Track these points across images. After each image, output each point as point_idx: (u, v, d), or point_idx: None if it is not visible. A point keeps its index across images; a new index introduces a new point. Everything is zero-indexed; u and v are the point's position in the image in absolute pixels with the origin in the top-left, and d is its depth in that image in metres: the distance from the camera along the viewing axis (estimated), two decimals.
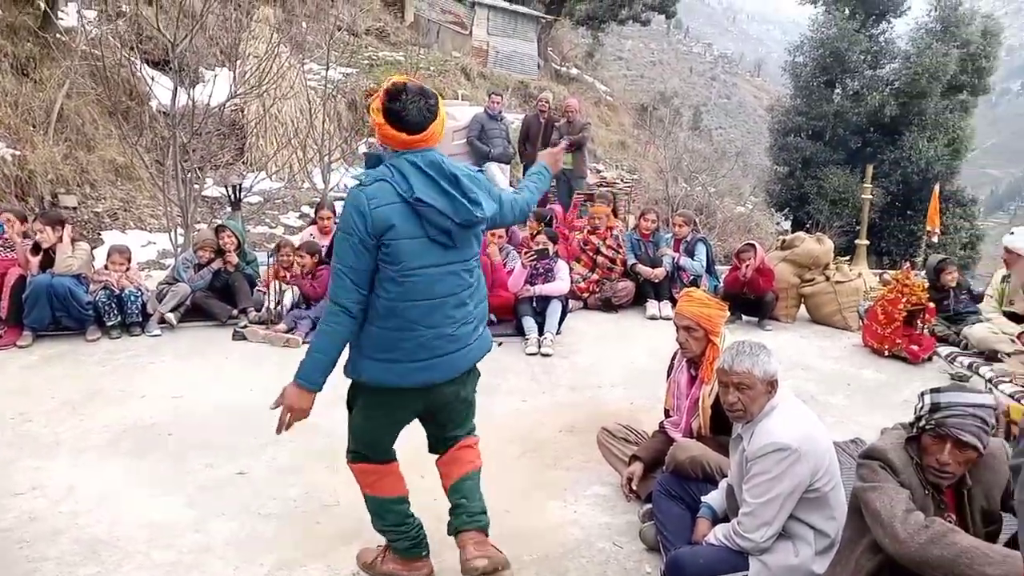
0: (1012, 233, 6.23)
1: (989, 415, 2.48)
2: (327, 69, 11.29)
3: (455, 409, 2.96)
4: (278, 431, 2.66)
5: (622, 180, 15.33)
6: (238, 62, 10.23)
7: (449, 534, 2.93)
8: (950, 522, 2.48)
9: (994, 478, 2.61)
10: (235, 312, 6.55)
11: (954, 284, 6.91)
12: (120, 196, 10.01)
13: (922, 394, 2.57)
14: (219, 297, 6.63)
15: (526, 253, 6.60)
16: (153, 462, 3.98)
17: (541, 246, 6.59)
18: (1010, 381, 5.61)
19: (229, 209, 8.96)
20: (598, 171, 15.37)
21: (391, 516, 2.94)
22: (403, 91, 2.61)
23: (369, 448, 2.89)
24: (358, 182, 2.63)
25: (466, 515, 2.93)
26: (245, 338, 6.15)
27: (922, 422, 2.52)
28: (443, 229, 2.62)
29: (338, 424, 3.06)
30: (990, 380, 5.71)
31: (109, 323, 6.10)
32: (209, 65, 12.07)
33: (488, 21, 19.71)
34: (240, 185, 8.80)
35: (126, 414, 4.59)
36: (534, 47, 21.23)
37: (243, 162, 11.75)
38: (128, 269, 6.43)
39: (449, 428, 3.00)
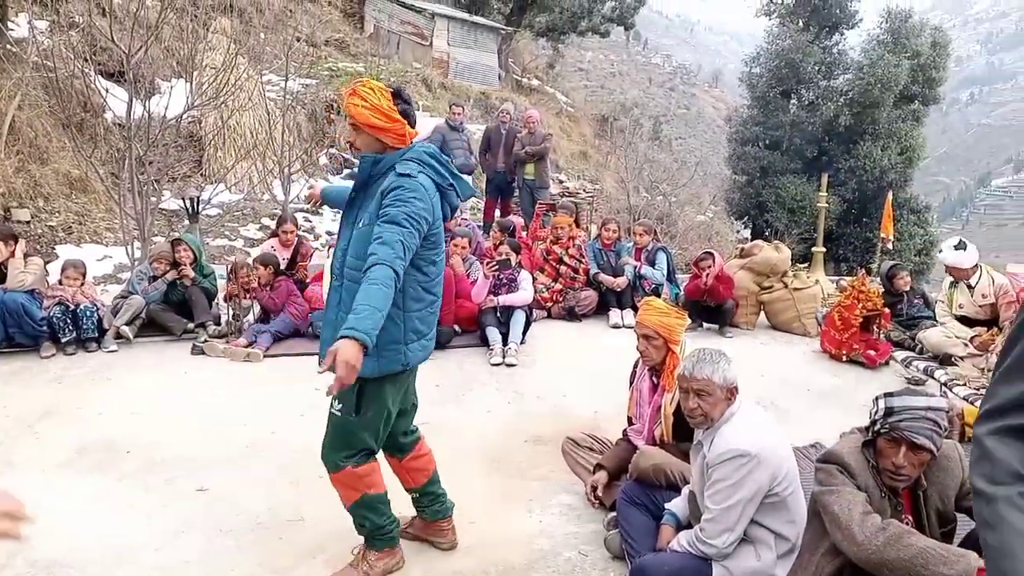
0: (940, 251, 6.47)
1: (941, 417, 2.54)
2: (286, 80, 11.21)
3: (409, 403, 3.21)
4: (330, 394, 2.48)
5: (584, 190, 15.44)
6: (195, 73, 10.09)
7: (429, 519, 3.29)
8: (907, 524, 2.53)
9: (948, 479, 2.67)
10: (192, 326, 6.45)
11: (907, 288, 7.08)
12: (75, 210, 9.82)
13: (876, 398, 2.63)
14: (176, 311, 6.52)
15: (488, 263, 6.61)
16: (112, 480, 3.89)
17: (504, 256, 6.61)
18: (964, 384, 5.75)
19: (187, 222, 8.83)
20: (560, 181, 15.46)
21: (386, 508, 3.05)
22: (402, 91, 2.86)
23: (377, 441, 2.97)
24: (408, 173, 2.75)
25: (447, 501, 3.34)
26: (204, 352, 6.06)
27: (877, 426, 2.58)
28: (454, 208, 2.98)
29: (301, 439, 3.03)
30: (945, 383, 5.84)
31: (64, 339, 5.97)
32: (165, 76, 11.91)
33: (448, 32, 19.74)
34: (198, 197, 8.68)
35: (83, 431, 4.49)
36: (495, 58, 21.31)
37: (201, 174, 11.60)
38: (83, 284, 6.30)
39: (411, 416, 3.24)
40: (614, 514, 3.38)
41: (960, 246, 6.36)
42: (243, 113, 11.44)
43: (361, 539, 3.08)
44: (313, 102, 13.93)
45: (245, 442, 4.36)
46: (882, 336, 6.57)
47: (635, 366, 3.82)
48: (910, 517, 2.61)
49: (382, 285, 2.48)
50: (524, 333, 6.48)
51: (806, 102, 21.30)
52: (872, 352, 6.32)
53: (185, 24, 10.60)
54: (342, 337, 2.35)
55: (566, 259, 7.66)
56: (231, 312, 6.42)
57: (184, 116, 9.04)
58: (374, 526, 3.01)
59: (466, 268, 7.01)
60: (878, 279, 7.45)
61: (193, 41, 10.28)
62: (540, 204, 9.56)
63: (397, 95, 2.82)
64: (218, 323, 6.52)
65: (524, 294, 6.62)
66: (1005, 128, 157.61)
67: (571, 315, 7.57)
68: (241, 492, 3.77)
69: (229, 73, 9.01)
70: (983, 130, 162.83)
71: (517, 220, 8.95)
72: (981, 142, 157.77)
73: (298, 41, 14.64)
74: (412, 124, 2.89)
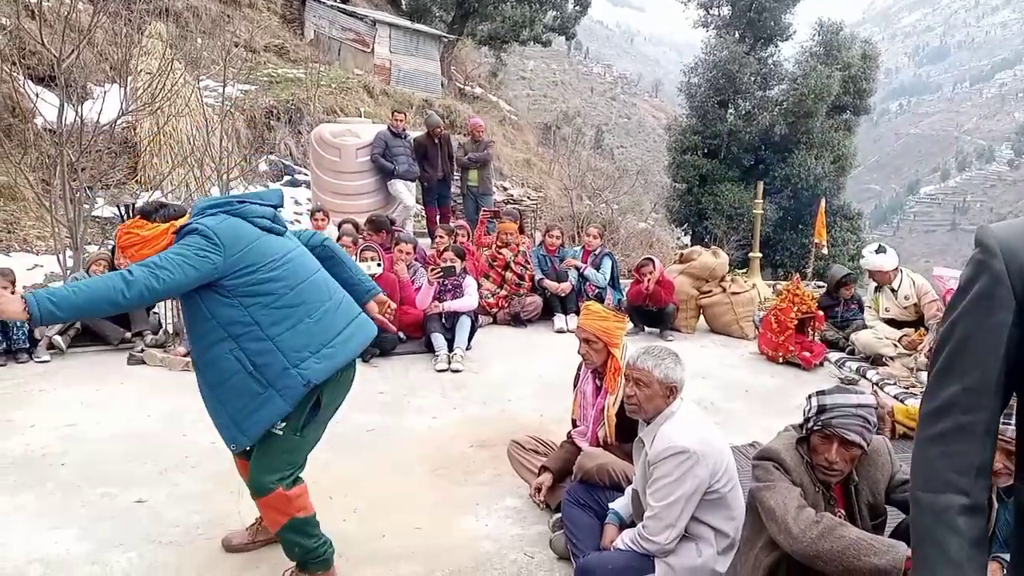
0: (864, 257, 6.71)
1: (871, 414, 2.64)
2: (224, 86, 11.03)
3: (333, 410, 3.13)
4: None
5: (528, 197, 15.53)
6: (129, 78, 9.86)
7: None
8: (840, 517, 2.62)
9: (878, 473, 2.78)
10: (129, 335, 6.29)
11: (849, 296, 7.30)
12: (3, 218, 9.48)
13: (809, 397, 2.72)
14: (112, 319, 6.35)
15: (432, 270, 6.61)
16: (44, 494, 3.77)
17: (448, 263, 6.61)
18: (894, 383, 5.96)
19: None
20: (504, 188, 15.51)
21: (316, 531, 2.97)
22: (146, 208, 2.89)
23: (303, 464, 2.94)
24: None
25: None
26: (143, 362, 5.92)
27: (810, 423, 2.66)
28: (277, 220, 2.98)
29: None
30: (876, 383, 6.04)
31: None
32: (98, 81, 11.60)
33: (390, 39, 19.65)
34: (133, 204, 8.47)
35: (13, 445, 4.34)
36: (437, 66, 21.29)
37: (136, 181, 11.31)
38: (12, 292, 6.06)
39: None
40: (559, 515, 3.41)
41: (880, 250, 6.61)
42: (180, 119, 11.18)
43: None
44: (252, 108, 13.72)
45: (184, 453, 4.27)
46: (816, 338, 6.78)
47: (579, 369, 3.87)
48: (842, 510, 2.70)
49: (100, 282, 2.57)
50: (469, 339, 6.50)
51: (743, 112, 21.82)
52: (807, 353, 6.51)
53: (119, 28, 10.35)
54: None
55: (512, 265, 7.70)
56: (168, 318, 6.28)
57: (118, 122, 8.80)
58: (304, 550, 2.94)
59: (411, 275, 6.99)
60: (814, 283, 7.67)
61: (127, 45, 10.03)
62: (484, 211, 9.60)
63: (145, 215, 2.83)
64: (156, 332, 6.37)
65: (469, 300, 6.63)
66: (932, 138, 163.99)
67: (516, 321, 7.62)
68: (180, 503, 3.69)
69: (165, 78, 8.83)
70: (911, 139, 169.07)
71: (465, 225, 8.97)
72: (910, 151, 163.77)
73: (236, 46, 14.40)
74: (177, 215, 2.86)
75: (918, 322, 6.51)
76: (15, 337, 5.85)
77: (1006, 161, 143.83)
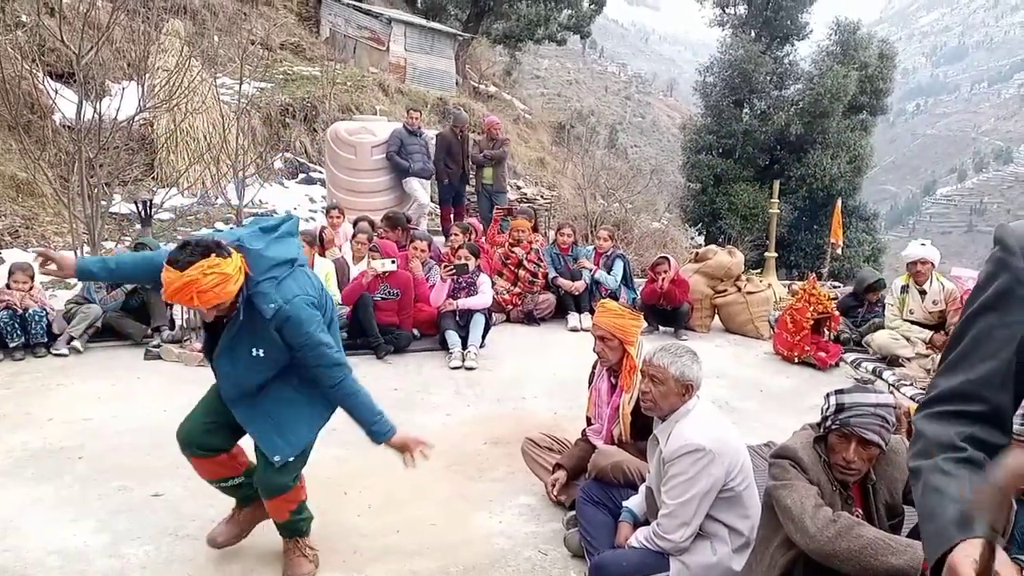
0: (924, 245, 6.60)
1: (890, 413, 2.63)
2: (240, 83, 11.08)
3: None
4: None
5: (542, 196, 15.53)
6: (147, 75, 9.93)
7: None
8: (857, 516, 2.61)
9: (896, 473, 2.76)
10: (149, 331, 6.33)
11: (875, 300, 7.21)
12: (21, 213, 9.57)
13: (828, 395, 2.71)
14: (133, 316, 6.40)
15: (445, 267, 6.62)
16: (62, 487, 3.81)
17: (462, 260, 6.62)
18: (911, 384, 5.93)
19: (139, 226, 8.67)
20: (518, 187, 15.51)
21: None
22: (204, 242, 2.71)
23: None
24: (279, 301, 2.77)
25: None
26: (159, 357, 5.96)
27: (828, 422, 2.65)
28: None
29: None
30: (892, 383, 6.01)
31: (12, 344, 5.81)
32: (116, 78, 11.68)
33: (405, 38, 19.68)
34: (150, 201, 8.53)
35: (31, 438, 4.38)
36: (452, 64, 21.31)
37: (153, 177, 11.40)
38: (31, 288, 6.13)
39: None
40: (573, 513, 3.41)
41: (925, 244, 6.58)
42: (196, 116, 11.25)
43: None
44: (268, 105, 13.78)
45: None
46: (832, 338, 6.74)
47: (593, 367, 3.87)
48: (860, 510, 2.69)
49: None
50: (483, 336, 6.50)
51: (758, 111, 21.71)
52: (823, 354, 6.48)
53: (137, 26, 10.40)
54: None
55: (526, 263, 7.69)
56: (183, 315, 6.31)
57: (136, 119, 8.86)
58: (306, 521, 3.13)
59: (425, 272, 7.01)
60: (829, 283, 7.63)
61: (145, 43, 10.12)
62: (498, 209, 9.60)
63: (211, 252, 2.59)
64: (172, 327, 6.41)
65: (483, 297, 6.63)
66: (949, 138, 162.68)
67: (530, 319, 7.62)
68: (195, 497, 3.71)
69: (182, 76, 8.88)
70: (928, 140, 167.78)
71: (476, 223, 8.98)
72: (926, 152, 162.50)
73: (252, 44, 14.46)
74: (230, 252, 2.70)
75: (939, 326, 6.44)
76: (34, 331, 5.90)
77: None
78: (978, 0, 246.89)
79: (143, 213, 8.28)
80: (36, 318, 5.92)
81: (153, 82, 9.92)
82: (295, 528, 3.10)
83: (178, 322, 6.42)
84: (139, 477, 3.91)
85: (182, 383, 5.38)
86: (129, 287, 6.42)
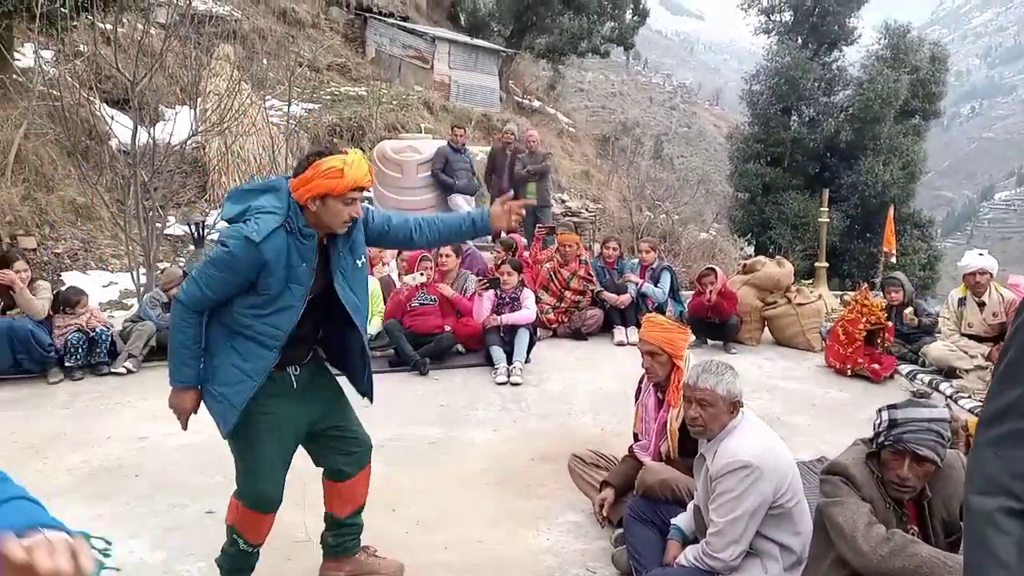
0: (981, 255, 6.41)
1: (945, 428, 2.55)
2: (288, 105, 11.32)
3: None
4: None
5: (587, 209, 15.52)
6: (199, 100, 10.20)
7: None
8: (912, 534, 2.54)
9: (953, 489, 2.68)
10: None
11: (901, 303, 7.01)
12: (80, 236, 9.89)
13: (880, 410, 2.64)
14: None
15: (479, 281, 6.67)
16: (119, 504, 3.91)
17: (501, 275, 6.68)
18: (969, 397, 5.75)
19: (192, 247, 8.89)
20: (563, 201, 15.52)
21: None
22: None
23: None
24: None
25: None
26: None
27: (881, 438, 2.59)
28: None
29: (305, 459, 3.04)
30: (950, 396, 5.84)
31: (70, 364, 6.00)
32: (169, 103, 12.02)
33: (449, 56, 19.88)
34: (203, 222, 8.75)
35: (90, 456, 4.51)
36: (496, 80, 21.45)
37: (206, 199, 11.68)
38: (87, 308, 6.33)
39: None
40: (621, 530, 3.38)
41: (982, 254, 6.40)
42: (247, 138, 11.53)
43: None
44: (316, 126, 14.04)
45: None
46: (886, 349, 6.57)
47: (640, 382, 3.83)
48: (915, 527, 2.61)
49: None
50: (528, 352, 6.50)
51: (807, 118, 21.40)
52: (876, 366, 6.32)
53: (189, 51, 10.71)
54: None
55: (573, 283, 7.65)
56: None
57: (188, 142, 9.12)
58: (360, 525, 3.17)
59: (462, 284, 7.03)
60: (880, 293, 7.44)
61: (197, 68, 10.39)
62: (540, 227, 9.60)
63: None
64: None
65: (527, 312, 6.63)
66: (1007, 141, 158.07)
67: (577, 334, 7.59)
68: None
69: (232, 99, 9.11)
70: (985, 143, 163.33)
71: (519, 239, 9.00)
72: (983, 155, 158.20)
73: (300, 66, 14.78)
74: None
75: (998, 338, 6.23)
76: (99, 351, 6.09)
77: None
78: None
79: (196, 234, 8.49)
80: (103, 338, 6.11)
81: (205, 106, 10.19)
82: (356, 533, 3.14)
83: None
84: (192, 494, 3.99)
85: None
86: None
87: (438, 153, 10.00)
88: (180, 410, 2.85)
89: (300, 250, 2.65)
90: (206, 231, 8.77)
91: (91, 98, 9.23)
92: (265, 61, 14.80)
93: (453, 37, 20.89)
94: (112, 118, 8.93)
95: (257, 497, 2.89)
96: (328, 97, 16.07)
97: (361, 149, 14.17)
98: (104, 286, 9.06)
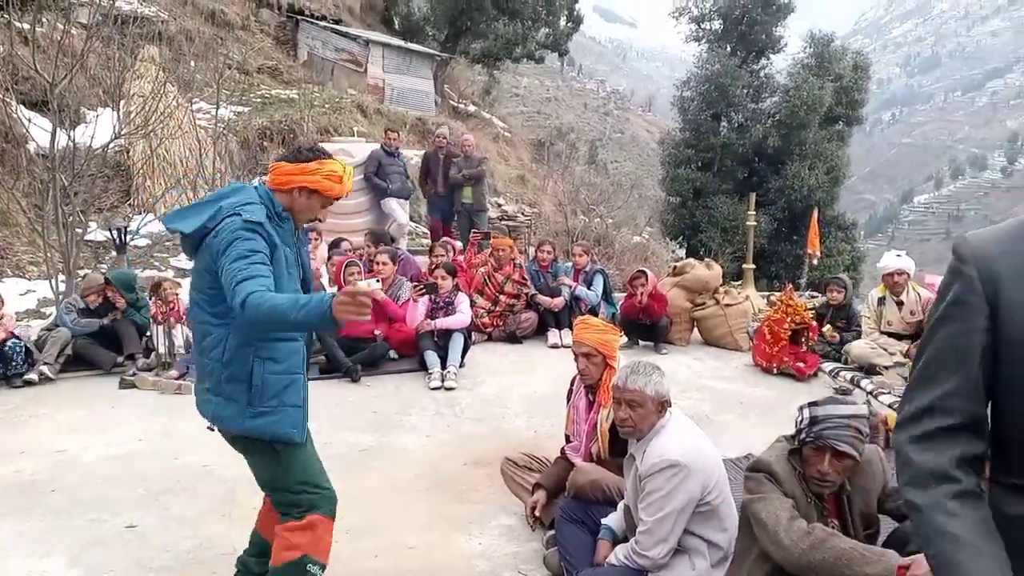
0: (899, 256, 6.65)
1: (863, 424, 2.63)
2: (217, 108, 11.06)
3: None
4: None
5: (523, 213, 15.58)
6: (122, 102, 9.89)
7: None
8: (833, 527, 2.61)
9: (871, 483, 2.77)
10: (121, 359, 6.26)
11: (840, 304, 7.23)
12: None
13: (801, 408, 2.71)
14: (104, 344, 6.32)
15: (414, 287, 6.62)
16: (34, 521, 3.74)
17: (432, 281, 6.64)
18: (888, 392, 5.95)
19: (114, 253, 8.61)
20: (499, 205, 15.54)
21: None
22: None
23: None
24: None
25: None
26: (134, 386, 5.89)
27: (802, 435, 2.66)
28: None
29: (232, 471, 2.96)
30: (871, 392, 6.03)
31: None
32: (91, 105, 11.62)
33: (383, 59, 19.71)
34: (126, 228, 8.47)
35: (3, 472, 4.31)
36: (431, 84, 21.35)
37: (129, 204, 11.32)
38: (2, 318, 6.06)
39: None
40: (553, 532, 3.39)
41: (900, 255, 6.63)
42: (173, 141, 11.21)
43: None
44: (246, 129, 13.75)
45: (176, 476, 4.24)
46: (810, 348, 6.77)
47: (572, 384, 3.86)
48: (836, 521, 2.69)
49: None
50: (463, 356, 6.47)
51: (736, 124, 21.93)
52: (801, 364, 6.50)
53: (112, 52, 10.37)
54: None
55: (508, 287, 7.65)
56: (163, 342, 6.25)
57: (111, 145, 8.82)
58: None
59: (395, 291, 6.96)
60: (807, 293, 7.67)
61: (120, 69, 10.08)
62: (475, 232, 9.59)
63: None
64: (148, 355, 6.35)
65: (462, 317, 6.61)
66: (925, 147, 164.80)
67: (512, 338, 7.59)
68: (170, 528, 3.66)
69: (158, 101, 8.86)
70: (904, 149, 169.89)
71: (453, 243, 8.98)
72: (903, 160, 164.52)
73: (229, 69, 14.45)
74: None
75: (917, 335, 6.47)
76: (14, 362, 5.83)
77: (999, 169, 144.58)
78: (950, 10, 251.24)
79: (118, 240, 8.22)
80: (16, 349, 5.85)
81: (129, 108, 9.88)
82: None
83: (155, 350, 6.35)
84: (113, 508, 3.85)
85: (158, 412, 5.33)
86: (107, 320, 6.37)
87: (371, 156, 9.88)
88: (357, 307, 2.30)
89: (281, 235, 2.64)
90: (128, 236, 8.50)
91: (7, 100, 8.88)
92: (192, 63, 14.44)
93: (387, 41, 20.73)
94: (30, 120, 8.60)
95: (332, 501, 2.75)
96: (258, 100, 15.76)
97: None
98: (21, 294, 8.68)
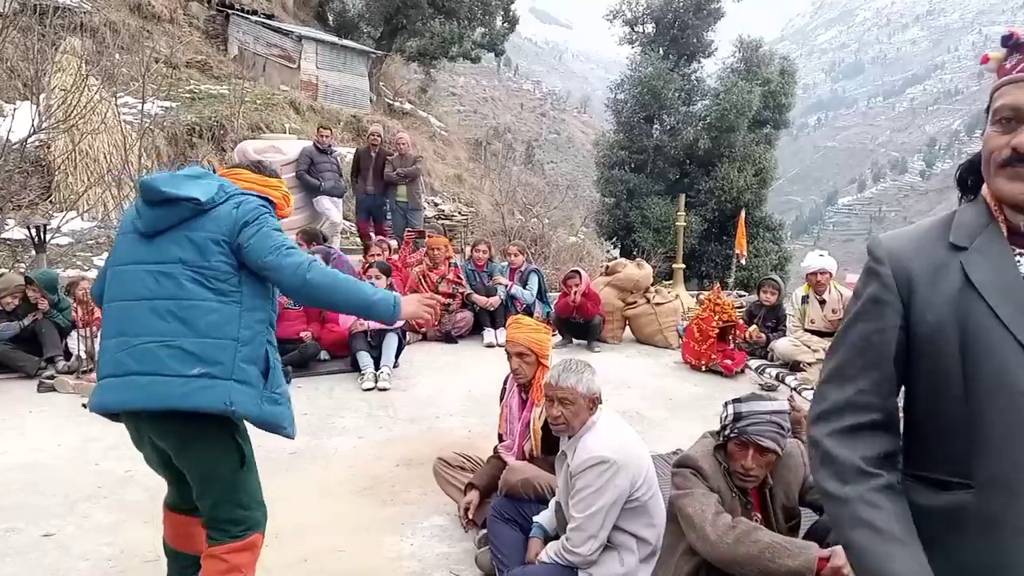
0: (822, 255, 6.86)
1: (784, 420, 2.71)
2: (143, 102, 10.74)
3: (188, 472, 2.52)
4: None
5: (459, 212, 15.56)
6: (42, 95, 9.53)
7: None
8: (757, 521, 2.68)
9: (792, 476, 2.85)
10: (43, 362, 6.03)
11: (772, 305, 7.42)
12: None
13: (726, 404, 2.78)
14: (24, 347, 6.07)
15: None
16: None
17: (369, 279, 6.54)
18: (811, 388, 6.14)
19: (34, 252, 8.29)
20: (436, 204, 15.50)
21: None
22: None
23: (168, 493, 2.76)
24: None
25: None
26: (53, 389, 5.68)
27: (727, 430, 2.72)
28: (138, 210, 2.49)
29: (155, 476, 2.86)
30: (795, 388, 6.22)
31: None
32: (9, 98, 11.17)
33: (317, 55, 19.44)
34: (45, 226, 8.17)
35: None
36: (365, 82, 21.14)
37: (50, 201, 10.91)
38: None
39: (195, 495, 2.55)
40: (485, 531, 3.39)
41: (823, 255, 6.85)
42: (96, 137, 10.85)
43: None
44: (173, 125, 13.39)
45: (96, 483, 4.11)
46: (737, 345, 6.94)
47: (505, 383, 3.87)
48: (759, 514, 2.76)
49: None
50: (397, 356, 6.43)
51: (668, 127, 22.32)
52: (729, 361, 6.67)
53: (31, 43, 9.98)
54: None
55: (443, 286, 7.63)
56: (83, 345, 6.04)
57: (30, 140, 8.49)
58: None
59: None
60: (735, 292, 7.85)
61: (40, 61, 9.70)
62: (409, 232, 9.53)
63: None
64: (68, 357, 6.13)
65: None
66: (849, 150, 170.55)
67: (447, 337, 7.58)
68: (90, 536, 3.54)
69: (80, 95, 8.56)
70: (829, 152, 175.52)
71: (389, 242, 8.91)
72: (828, 163, 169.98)
73: (156, 62, 14.05)
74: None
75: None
76: None
77: (918, 172, 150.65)
78: (872, 18, 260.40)
79: (37, 239, 7.92)
80: None
81: (49, 102, 9.52)
82: None
83: (76, 352, 6.14)
84: (29, 517, 3.70)
85: (78, 416, 5.14)
86: (26, 322, 6.12)
87: (303, 154, 9.73)
88: (422, 310, 2.63)
89: None
90: (48, 235, 8.19)
91: None
92: (117, 56, 13.98)
93: (320, 37, 20.45)
94: None
95: (266, 516, 2.65)
96: (187, 95, 15.37)
97: (222, 150, 13.65)
98: None
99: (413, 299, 2.54)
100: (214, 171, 2.69)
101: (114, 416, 2.50)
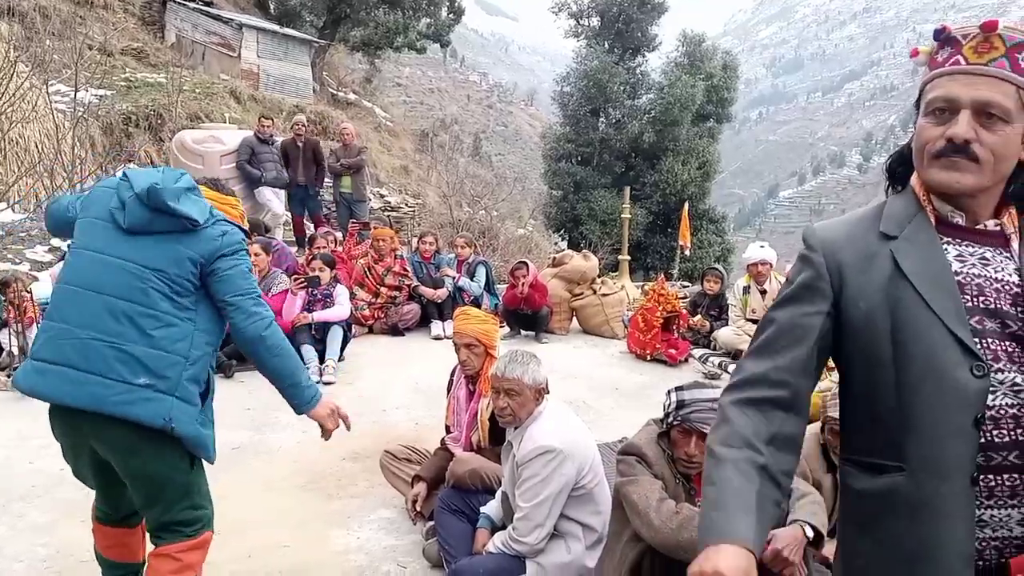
0: (762, 247, 7.00)
1: None
2: (75, 90, 10.40)
3: (134, 481, 2.44)
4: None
5: (406, 204, 15.44)
6: None
7: None
8: (699, 506, 2.72)
9: None
10: None
11: (715, 294, 7.56)
12: None
13: (669, 392, 2.81)
14: None
15: (296, 279, 6.42)
16: None
17: (315, 272, 6.45)
18: None
19: None
20: (382, 195, 15.35)
21: None
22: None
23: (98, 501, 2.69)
24: None
25: None
26: None
27: (670, 418, 2.75)
28: (122, 200, 2.40)
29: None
30: None
31: None
32: None
33: (258, 44, 19.04)
34: None
35: None
36: (308, 71, 20.79)
37: None
38: None
39: (141, 504, 2.50)
40: (432, 523, 3.38)
41: (763, 246, 6.99)
42: (26, 125, 10.47)
43: None
44: (108, 114, 12.99)
45: (30, 482, 3.97)
46: (681, 335, 7.05)
47: (452, 374, 3.86)
48: (703, 500, 2.80)
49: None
50: (342, 350, 6.35)
51: (613, 120, 22.51)
52: (673, 351, 6.77)
53: None
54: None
55: (389, 278, 7.57)
56: (15, 343, 5.83)
57: None
58: None
59: (269, 282, 6.70)
60: (679, 283, 7.97)
61: None
62: (353, 223, 9.41)
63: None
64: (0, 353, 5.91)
65: (340, 309, 6.47)
66: (790, 144, 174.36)
67: (394, 330, 7.52)
68: (24, 536, 3.43)
69: (8, 81, 8.25)
70: (771, 146, 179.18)
71: (336, 234, 8.80)
72: (770, 157, 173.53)
73: (90, 49, 13.62)
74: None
75: None
76: None
77: (855, 166, 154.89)
78: (811, 15, 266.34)
79: None
80: None
81: None
82: None
83: (7, 347, 5.92)
84: None
85: (11, 414, 4.96)
86: None
87: (243, 144, 9.53)
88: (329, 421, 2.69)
89: None
90: None
91: None
92: (48, 42, 13.50)
93: (261, 25, 20.04)
94: None
95: (214, 513, 2.66)
96: (123, 83, 14.92)
97: (160, 140, 13.30)
98: None
99: (329, 405, 2.64)
100: (152, 164, 2.65)
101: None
